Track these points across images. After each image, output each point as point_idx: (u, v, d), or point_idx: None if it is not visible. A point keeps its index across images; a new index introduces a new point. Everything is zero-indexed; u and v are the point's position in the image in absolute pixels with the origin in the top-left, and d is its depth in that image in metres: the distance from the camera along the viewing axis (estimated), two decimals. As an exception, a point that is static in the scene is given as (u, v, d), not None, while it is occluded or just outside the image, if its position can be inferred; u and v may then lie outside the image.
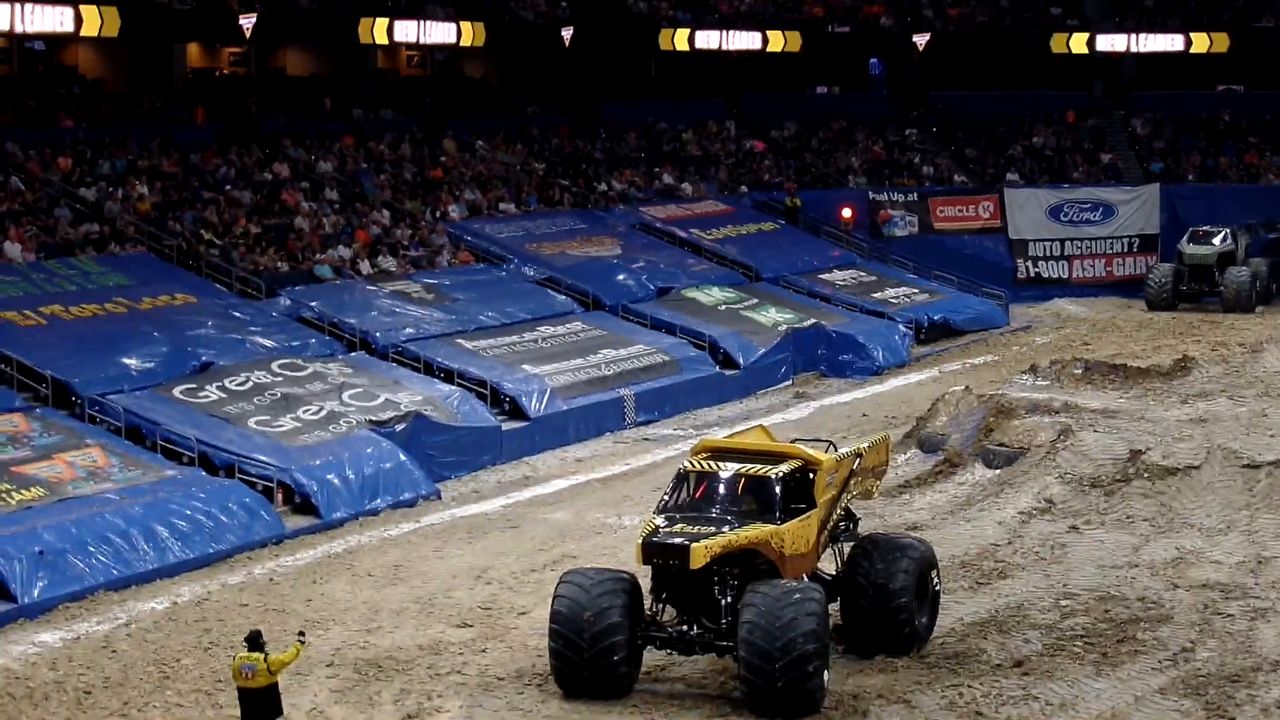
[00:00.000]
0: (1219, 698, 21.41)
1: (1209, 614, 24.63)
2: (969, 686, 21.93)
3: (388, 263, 45.52)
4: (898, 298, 54.10)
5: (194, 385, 35.42)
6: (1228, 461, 30.53)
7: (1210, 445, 31.28)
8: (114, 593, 27.42)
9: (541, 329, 43.67)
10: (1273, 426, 32.84)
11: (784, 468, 22.58)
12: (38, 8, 43.78)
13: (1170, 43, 68.42)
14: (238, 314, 39.95)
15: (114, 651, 24.64)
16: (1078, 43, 68.36)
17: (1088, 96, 70.92)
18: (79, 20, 44.46)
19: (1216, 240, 58.28)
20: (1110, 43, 68.95)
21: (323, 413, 35.29)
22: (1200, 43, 68.18)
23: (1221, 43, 68.06)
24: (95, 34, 45.55)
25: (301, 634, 20.86)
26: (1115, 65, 71.65)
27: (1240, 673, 22.21)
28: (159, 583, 28.07)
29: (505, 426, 38.13)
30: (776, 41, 65.85)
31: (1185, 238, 58.98)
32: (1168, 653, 23.04)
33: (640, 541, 21.60)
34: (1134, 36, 68.62)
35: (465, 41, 56.70)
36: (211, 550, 29.41)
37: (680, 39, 62.65)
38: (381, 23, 53.24)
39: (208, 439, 32.97)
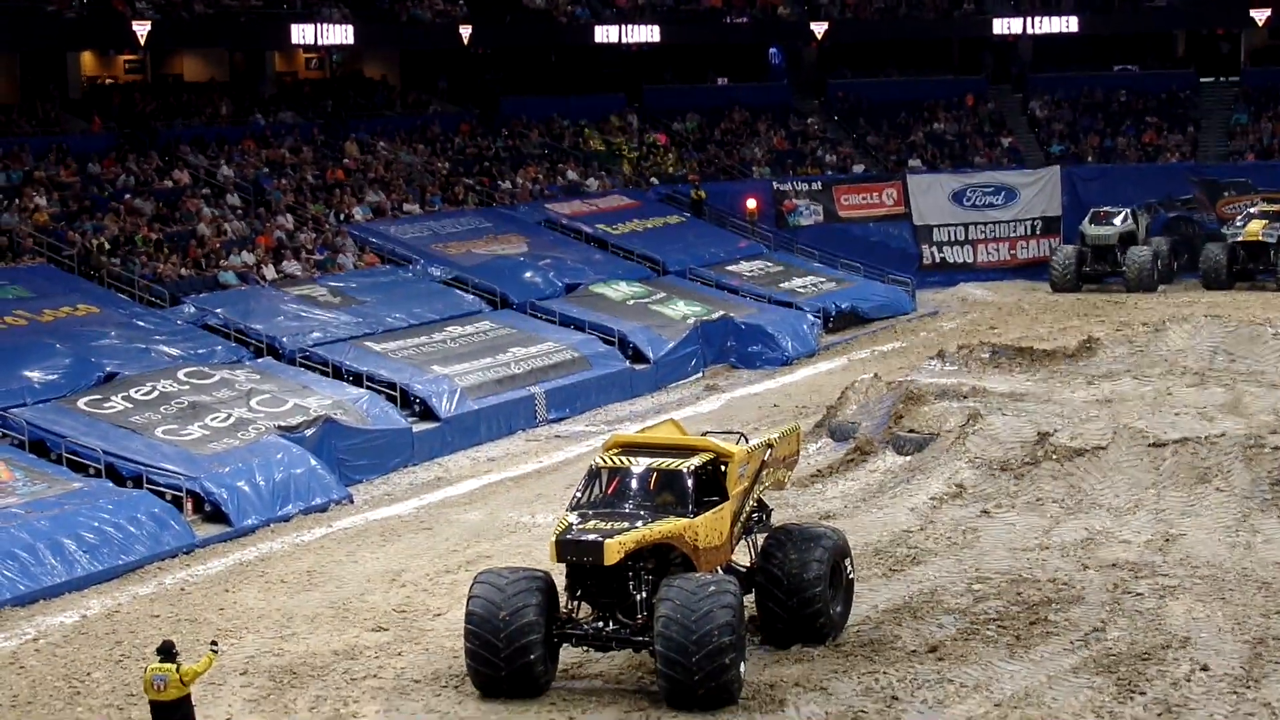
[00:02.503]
0: (1130, 675, 21.57)
1: (1119, 593, 24.82)
2: (884, 673, 22.01)
3: (292, 267, 45.24)
4: (805, 287, 54.26)
5: (99, 396, 35.09)
6: (1134, 441, 30.75)
7: (1117, 425, 31.51)
8: (21, 608, 27.13)
9: (450, 329, 43.50)
10: (1177, 405, 33.17)
11: (695, 461, 22.57)
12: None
13: (1065, 24, 68.94)
14: (141, 323, 39.59)
15: (22, 668, 24.36)
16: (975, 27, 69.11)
17: (986, 80, 71.42)
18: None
19: (1117, 220, 58.80)
20: (1006, 25, 69.37)
21: (231, 420, 35.03)
22: (1096, 24, 68.84)
23: (1117, 24, 68.81)
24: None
25: (214, 643, 20.67)
26: (1012, 48, 72.14)
27: (1150, 650, 22.39)
28: (67, 596, 27.81)
29: (416, 428, 37.97)
30: (675, 34, 65.94)
31: (1087, 219, 59.49)
32: (1079, 633, 23.19)
33: (554, 539, 21.56)
34: (1029, 19, 69.07)
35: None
36: (120, 562, 29.13)
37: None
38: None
39: (114, 450, 32.65)
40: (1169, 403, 33.40)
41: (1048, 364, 38.12)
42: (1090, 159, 65.86)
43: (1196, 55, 71.59)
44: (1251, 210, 58.99)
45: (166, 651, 19.59)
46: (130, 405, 34.93)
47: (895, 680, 21.77)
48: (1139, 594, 24.78)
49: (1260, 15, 66.94)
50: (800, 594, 22.77)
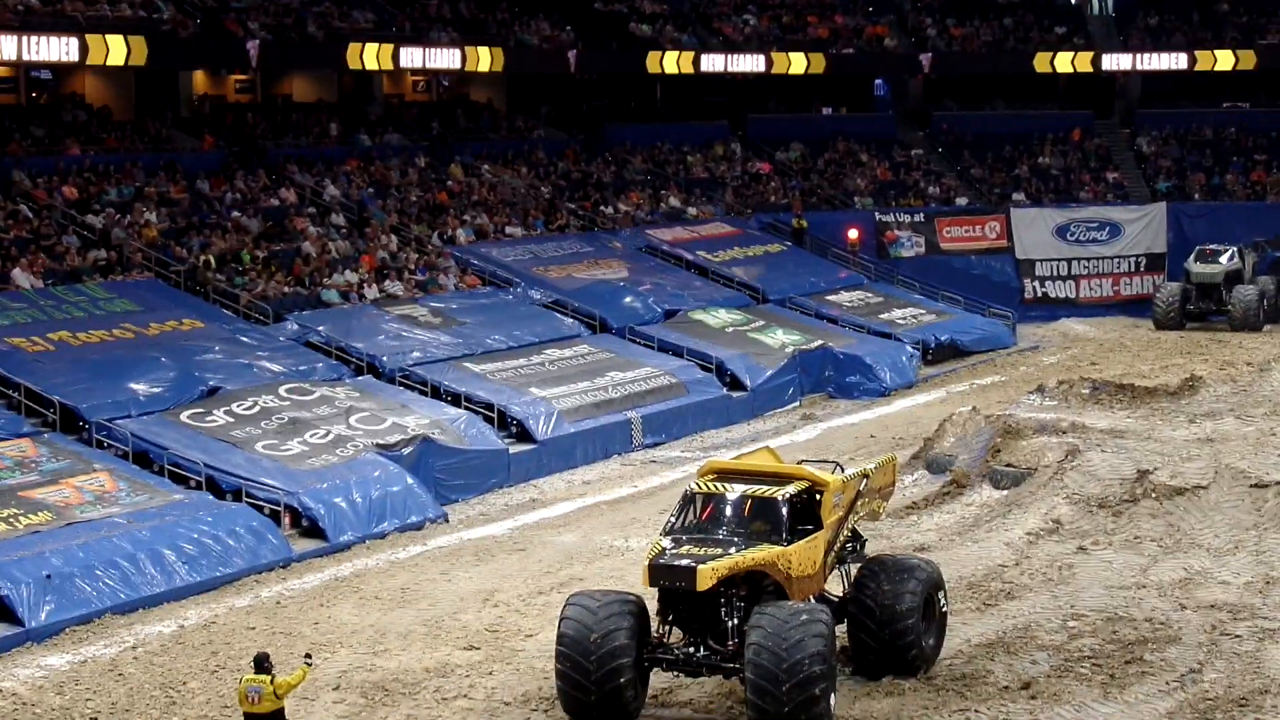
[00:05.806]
0: None
1: (1217, 635, 24.50)
2: (976, 710, 21.83)
3: (394, 287, 45.56)
4: (904, 319, 54.06)
5: (201, 410, 35.47)
6: (1235, 481, 30.45)
7: (1218, 465, 31.22)
8: (121, 616, 27.44)
9: (548, 352, 43.67)
10: (1280, 445, 32.84)
11: (790, 489, 22.51)
12: (44, 38, 44.02)
13: (1174, 61, 68.43)
14: (245, 339, 40.00)
15: (120, 675, 24.65)
16: (1082, 62, 68.49)
17: (1093, 115, 70.91)
18: (84, 49, 44.61)
19: (1223, 259, 58.20)
20: (1115, 62, 68.93)
21: (330, 436, 35.31)
22: (1205, 60, 68.19)
23: (1226, 60, 68.03)
24: (101, 63, 45.76)
25: (308, 656, 20.87)
26: (1121, 84, 71.67)
27: (1248, 695, 22.08)
28: (166, 606, 28.11)
29: (512, 449, 38.13)
30: (781, 64, 65.95)
31: (1192, 256, 58.92)
32: (1175, 674, 22.91)
33: (647, 563, 21.54)
34: (1138, 55, 68.64)
35: (470, 67, 56.84)
36: (219, 574, 29.44)
37: (685, 62, 63.07)
38: (386, 49, 53.38)
39: (215, 463, 33.02)
40: (1271, 443, 33.03)
41: (1149, 401, 37.80)
42: (1197, 196, 65.31)
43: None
44: (1360, 250, 58.43)
45: (261, 663, 19.80)
46: (232, 420, 35.30)
47: (987, 718, 21.61)
48: (1237, 636, 24.44)
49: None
50: (893, 625, 22.64)
